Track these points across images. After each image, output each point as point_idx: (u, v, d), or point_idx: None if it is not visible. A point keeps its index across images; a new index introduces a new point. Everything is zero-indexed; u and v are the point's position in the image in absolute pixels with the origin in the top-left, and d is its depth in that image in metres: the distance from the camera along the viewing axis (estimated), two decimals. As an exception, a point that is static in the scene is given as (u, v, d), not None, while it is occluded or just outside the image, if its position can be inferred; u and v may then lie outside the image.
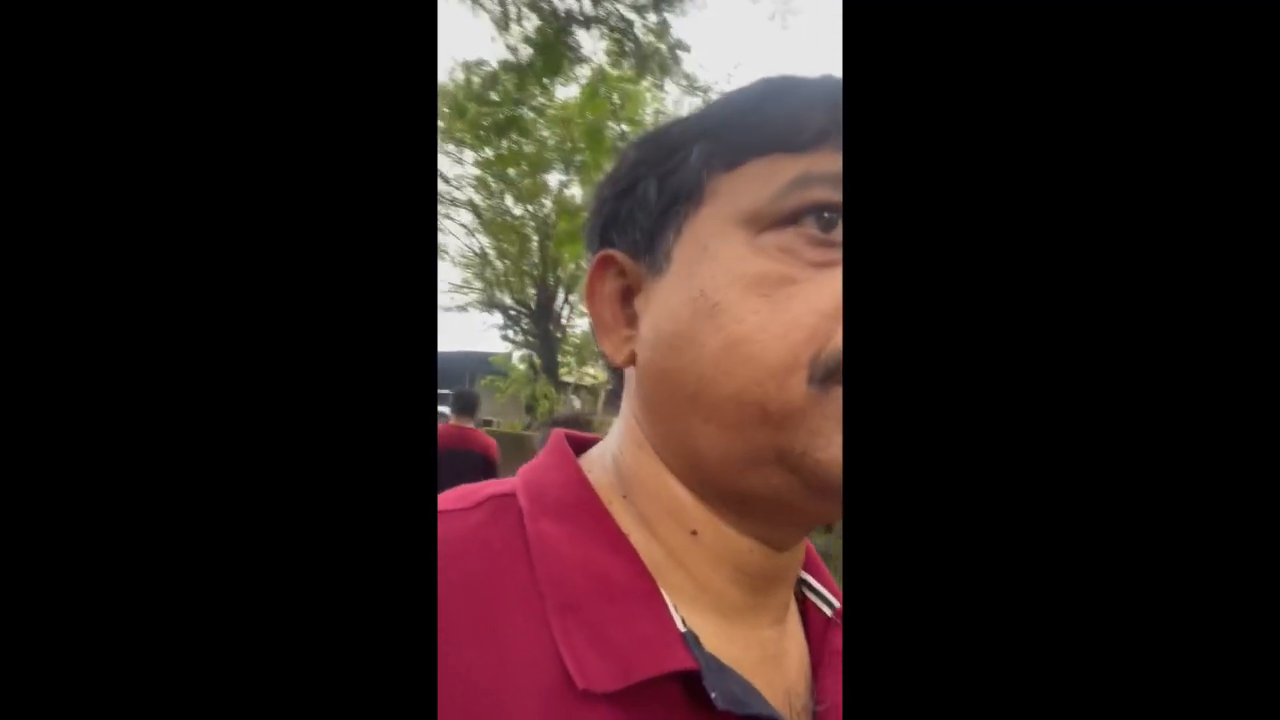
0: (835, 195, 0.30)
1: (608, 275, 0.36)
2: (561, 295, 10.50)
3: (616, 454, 0.36)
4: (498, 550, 0.31)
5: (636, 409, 0.35)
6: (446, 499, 0.33)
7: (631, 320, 0.36)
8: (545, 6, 3.55)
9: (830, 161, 0.30)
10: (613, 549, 0.32)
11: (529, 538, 0.31)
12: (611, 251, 0.36)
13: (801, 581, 0.39)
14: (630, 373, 0.36)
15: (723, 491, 0.32)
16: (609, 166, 0.39)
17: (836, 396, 0.28)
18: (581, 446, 0.39)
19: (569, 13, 3.62)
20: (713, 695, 0.28)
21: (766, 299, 0.30)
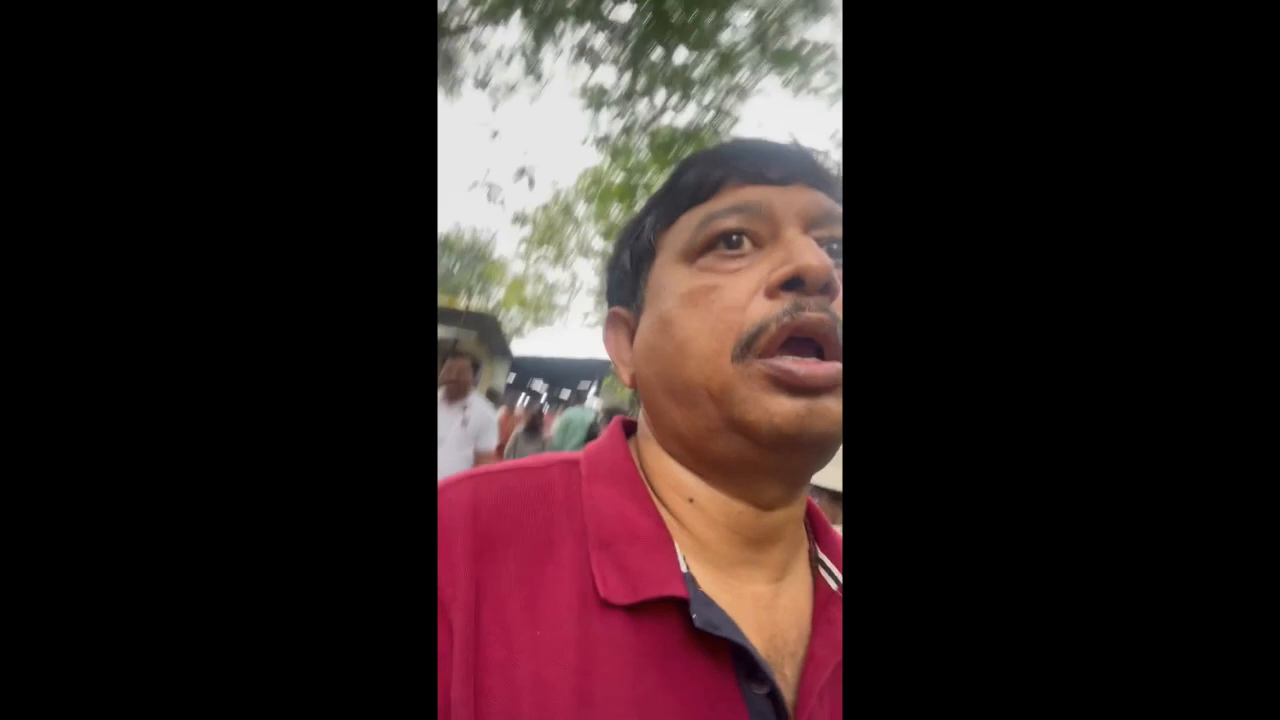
0: (731, 222, 0.42)
1: (615, 324, 0.51)
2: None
3: (641, 446, 0.48)
4: (560, 500, 0.43)
5: (643, 411, 0.48)
6: (528, 460, 0.46)
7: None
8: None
9: (725, 199, 0.43)
10: (642, 508, 0.43)
11: (583, 495, 0.43)
12: (616, 308, 0.50)
13: (818, 560, 0.48)
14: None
15: (701, 458, 0.43)
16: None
17: (753, 367, 0.38)
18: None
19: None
20: (693, 616, 0.38)
21: (698, 307, 0.41)
